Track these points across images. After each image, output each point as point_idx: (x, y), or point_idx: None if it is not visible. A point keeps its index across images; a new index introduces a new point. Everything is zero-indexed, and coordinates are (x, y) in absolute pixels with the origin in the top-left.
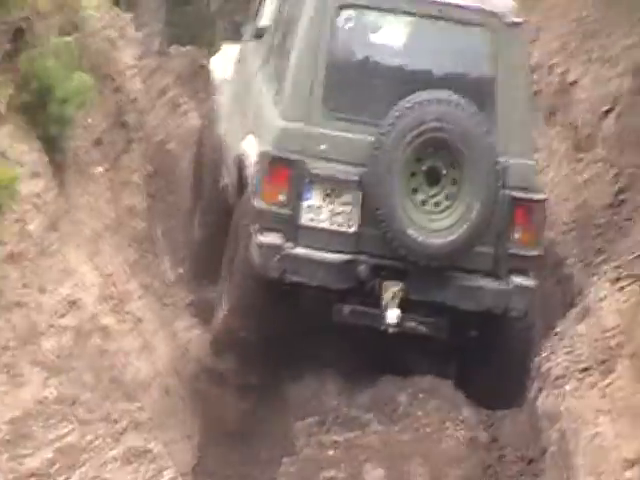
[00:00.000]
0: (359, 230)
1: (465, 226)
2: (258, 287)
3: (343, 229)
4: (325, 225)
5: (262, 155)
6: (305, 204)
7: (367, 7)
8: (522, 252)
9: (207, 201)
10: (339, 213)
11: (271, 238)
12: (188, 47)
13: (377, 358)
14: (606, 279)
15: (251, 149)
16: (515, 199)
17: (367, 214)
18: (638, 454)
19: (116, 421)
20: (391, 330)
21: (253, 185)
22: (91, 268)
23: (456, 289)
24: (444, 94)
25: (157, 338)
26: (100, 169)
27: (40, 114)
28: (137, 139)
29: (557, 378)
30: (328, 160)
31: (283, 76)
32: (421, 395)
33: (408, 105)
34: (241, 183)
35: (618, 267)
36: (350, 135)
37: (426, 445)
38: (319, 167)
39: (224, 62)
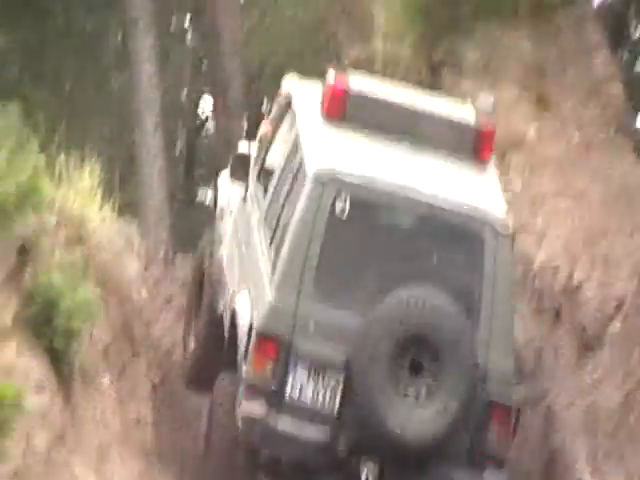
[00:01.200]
0: (341, 410)
1: (441, 422)
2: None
3: (325, 409)
4: (308, 403)
5: (253, 328)
6: (290, 380)
7: (364, 198)
8: (494, 452)
9: (204, 322)
10: (323, 392)
11: (255, 408)
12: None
13: None
14: None
15: (244, 310)
16: (491, 403)
17: (349, 397)
18: None
19: None
20: None
21: (243, 351)
22: None
23: (432, 478)
24: (431, 293)
25: None
26: (106, 380)
27: (46, 327)
28: (143, 350)
29: None
30: (315, 341)
31: (279, 252)
32: None
33: (395, 300)
34: (233, 338)
35: (629, 472)
36: (338, 319)
37: None
38: (306, 346)
39: (230, 186)
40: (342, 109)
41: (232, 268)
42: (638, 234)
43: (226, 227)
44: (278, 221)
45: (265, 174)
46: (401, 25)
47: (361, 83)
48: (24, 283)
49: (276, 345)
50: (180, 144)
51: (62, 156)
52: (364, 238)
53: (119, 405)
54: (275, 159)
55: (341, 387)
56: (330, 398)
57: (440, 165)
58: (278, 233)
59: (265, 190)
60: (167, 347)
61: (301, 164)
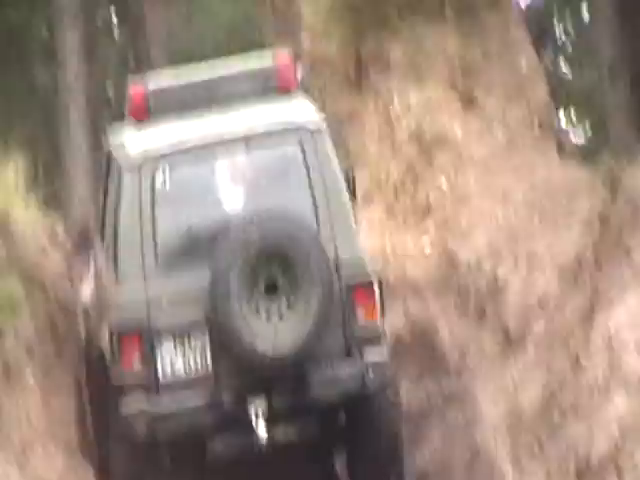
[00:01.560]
0: (214, 367)
1: (309, 324)
2: (134, 449)
3: (199, 372)
4: (183, 375)
5: (109, 333)
6: (160, 361)
7: (179, 165)
8: (367, 330)
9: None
10: (193, 357)
11: (136, 405)
12: None
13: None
14: (537, 479)
15: (104, 332)
16: (351, 287)
17: (217, 349)
18: None
19: None
20: (264, 447)
21: (110, 361)
22: (20, 478)
23: (314, 385)
24: (265, 211)
25: None
26: (31, 378)
27: None
28: (68, 347)
29: None
30: (171, 313)
31: (116, 256)
32: None
33: (234, 231)
34: (104, 371)
35: (549, 469)
36: (187, 282)
37: None
38: (164, 322)
39: (88, 283)
40: (145, 109)
41: (95, 326)
42: (561, 233)
43: (92, 315)
44: (113, 236)
45: (103, 229)
46: (329, 22)
47: (160, 79)
48: None
49: (135, 334)
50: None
51: None
52: (192, 200)
53: (44, 403)
54: (107, 210)
55: (208, 344)
56: (201, 359)
57: (249, 110)
58: (113, 242)
59: (103, 238)
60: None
61: (118, 172)
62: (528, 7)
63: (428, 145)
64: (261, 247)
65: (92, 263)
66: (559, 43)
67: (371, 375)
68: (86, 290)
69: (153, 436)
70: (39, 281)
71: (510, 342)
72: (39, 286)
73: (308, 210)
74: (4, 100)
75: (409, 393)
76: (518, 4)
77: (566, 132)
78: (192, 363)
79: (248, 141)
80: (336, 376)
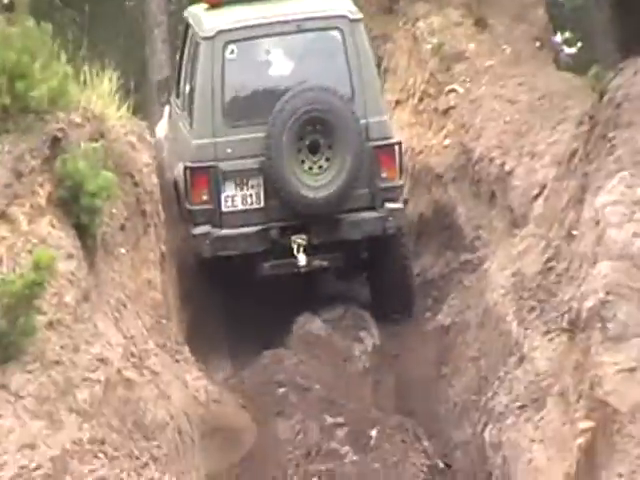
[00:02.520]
0: (266, 205)
1: (343, 177)
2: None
3: (254, 207)
4: (240, 207)
5: (185, 169)
6: (223, 196)
7: (244, 39)
8: (389, 185)
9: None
10: (249, 196)
11: (202, 229)
12: None
13: (303, 295)
14: (538, 332)
15: (180, 170)
16: (377, 147)
17: (270, 191)
18: (565, 476)
19: (138, 457)
20: (303, 270)
21: (183, 193)
22: (116, 331)
23: (345, 226)
24: (311, 85)
25: (171, 388)
26: (123, 250)
27: (74, 206)
28: (153, 224)
29: (499, 414)
30: (234, 159)
31: (191, 108)
32: (388, 430)
33: (285, 99)
34: (179, 199)
35: (547, 322)
36: (247, 136)
37: (393, 472)
38: (228, 166)
39: (163, 123)
40: None
41: (170, 163)
42: (557, 131)
43: (164, 153)
44: (189, 94)
45: (180, 87)
46: None
47: None
48: (55, 169)
49: (205, 173)
50: None
51: (86, 66)
52: (254, 68)
53: (133, 270)
54: (184, 70)
55: (262, 188)
56: (256, 198)
57: (300, 2)
58: (190, 99)
59: (180, 94)
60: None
61: (196, 42)
62: None
63: (447, 59)
64: (307, 113)
65: (167, 109)
66: None
67: (391, 220)
68: (160, 129)
69: (215, 252)
70: (129, 171)
71: (515, 219)
72: (129, 175)
73: (345, 83)
74: (101, 26)
75: (433, 262)
76: None
77: (561, 47)
78: (248, 200)
79: (299, 23)
80: (363, 219)
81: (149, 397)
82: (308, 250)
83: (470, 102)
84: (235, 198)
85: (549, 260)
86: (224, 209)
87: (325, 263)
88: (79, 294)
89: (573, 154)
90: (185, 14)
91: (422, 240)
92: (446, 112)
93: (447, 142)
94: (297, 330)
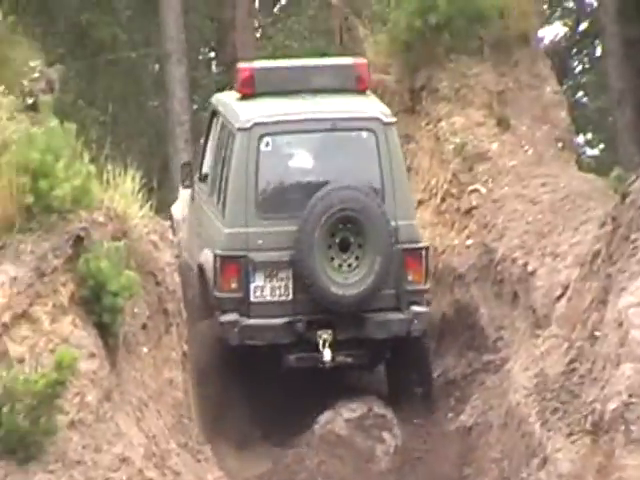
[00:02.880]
0: (294, 297)
1: (372, 277)
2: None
3: (282, 299)
4: (269, 299)
5: (216, 256)
6: (252, 286)
7: (279, 133)
8: (415, 288)
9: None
10: (278, 288)
11: (231, 316)
12: None
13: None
14: (561, 434)
15: (207, 255)
16: (405, 250)
17: (298, 285)
18: None
19: None
20: (327, 366)
21: (212, 280)
22: (138, 431)
23: (371, 325)
24: (345, 184)
25: None
26: (145, 349)
27: (96, 305)
28: (175, 324)
29: None
30: (265, 251)
31: (224, 196)
32: None
33: (319, 196)
34: (203, 283)
35: (570, 424)
36: (279, 229)
37: None
38: (259, 257)
39: (181, 205)
40: (252, 84)
41: (191, 246)
42: (580, 231)
43: (183, 235)
44: (220, 182)
45: (205, 174)
46: (388, 59)
47: (264, 64)
48: (78, 269)
49: (236, 263)
50: None
51: (109, 165)
52: (288, 162)
53: (155, 369)
54: (209, 155)
55: (291, 280)
56: (285, 290)
57: (332, 98)
58: (221, 187)
59: (206, 179)
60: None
61: (229, 131)
62: (552, 44)
63: (470, 159)
64: (339, 213)
65: (182, 190)
66: (576, 75)
67: (416, 322)
68: (177, 209)
69: (242, 341)
70: (151, 270)
71: (538, 320)
72: (151, 274)
73: (377, 185)
74: (124, 125)
75: (455, 362)
76: (543, 42)
77: (584, 149)
78: (277, 292)
79: (334, 122)
80: (389, 320)
81: None
82: (333, 346)
83: (492, 202)
84: (264, 289)
85: (572, 361)
86: (252, 299)
87: (349, 360)
88: (101, 393)
89: (596, 255)
90: (213, 100)
91: (444, 340)
92: (468, 212)
93: (469, 242)
94: (319, 429)
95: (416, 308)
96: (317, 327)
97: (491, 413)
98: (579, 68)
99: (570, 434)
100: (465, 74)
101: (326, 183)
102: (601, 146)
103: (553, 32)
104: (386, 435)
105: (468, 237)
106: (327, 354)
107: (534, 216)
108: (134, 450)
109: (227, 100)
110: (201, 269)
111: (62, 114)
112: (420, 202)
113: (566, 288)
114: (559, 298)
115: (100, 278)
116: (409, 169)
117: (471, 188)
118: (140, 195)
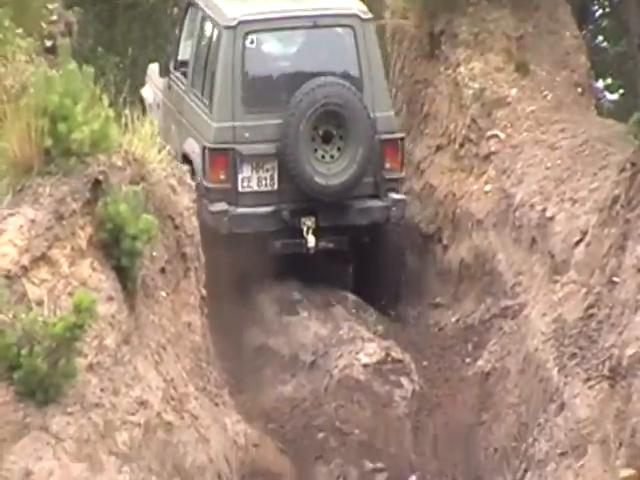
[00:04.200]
0: (279, 187)
1: (353, 167)
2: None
3: (268, 189)
4: (255, 189)
5: (205, 148)
6: (240, 177)
7: (263, 30)
8: (393, 176)
9: None
10: (264, 178)
11: (220, 205)
12: None
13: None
14: (579, 379)
15: (194, 146)
16: (383, 140)
17: (283, 175)
18: None
19: None
20: (311, 251)
21: (200, 170)
22: (156, 374)
23: (352, 212)
24: (328, 79)
25: (210, 432)
26: (163, 293)
27: (114, 249)
28: (193, 268)
29: (540, 461)
30: (252, 143)
31: (211, 91)
32: (428, 476)
33: (304, 91)
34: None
35: (588, 369)
36: (265, 122)
37: None
38: (246, 149)
39: (151, 90)
40: None
41: (169, 131)
42: (599, 177)
43: (156, 113)
44: (204, 77)
45: (181, 62)
46: (406, 1)
47: None
48: (97, 212)
49: (224, 155)
50: None
51: (127, 109)
52: (271, 57)
53: (174, 313)
54: (186, 47)
55: (277, 172)
56: (271, 180)
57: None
58: (207, 81)
59: (184, 70)
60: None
61: (213, 28)
62: None
63: (489, 104)
64: (324, 106)
65: (150, 73)
66: (596, 19)
67: (394, 209)
68: (147, 93)
69: (231, 229)
70: (170, 214)
71: (556, 266)
72: (170, 218)
73: (355, 78)
74: (143, 69)
75: (473, 308)
76: None
77: (603, 94)
78: (263, 182)
79: (315, 19)
80: (369, 207)
81: (189, 441)
82: (316, 232)
83: (511, 148)
84: (251, 180)
85: (590, 307)
86: (240, 189)
87: (331, 245)
88: (119, 337)
89: (615, 201)
90: None
91: (462, 285)
92: (487, 157)
93: (488, 187)
94: (337, 374)
95: (394, 195)
96: (301, 215)
97: (509, 359)
98: (599, 12)
99: (588, 379)
100: (484, 19)
101: (308, 78)
102: (621, 91)
103: None
104: (404, 380)
105: (486, 183)
106: (311, 240)
107: (553, 161)
108: (152, 393)
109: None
110: (186, 158)
111: (80, 58)
112: (438, 147)
113: (585, 234)
114: (577, 244)
115: (118, 222)
116: (427, 114)
117: (490, 133)
118: (158, 139)
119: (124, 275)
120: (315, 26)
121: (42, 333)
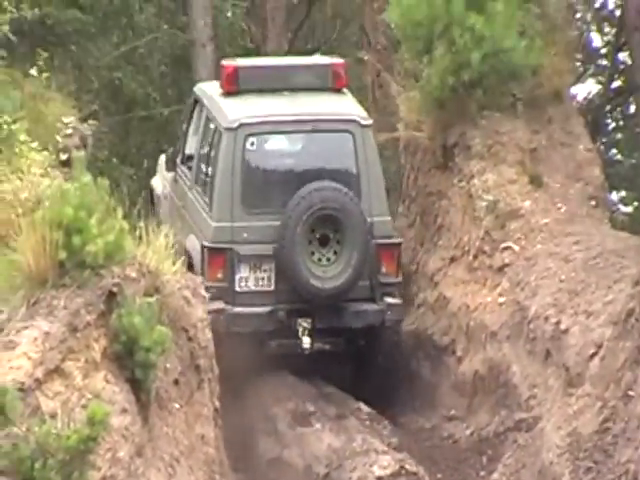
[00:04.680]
0: (276, 288)
1: (349, 271)
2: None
3: (265, 289)
4: (252, 289)
5: (204, 247)
6: (237, 277)
7: (265, 133)
8: (388, 280)
9: None
10: (262, 279)
11: (216, 305)
12: None
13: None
14: None
15: (194, 244)
16: (380, 245)
17: (280, 276)
18: None
19: None
20: (306, 352)
21: (200, 269)
22: None
23: (348, 314)
24: (325, 184)
25: None
26: (177, 405)
27: (128, 361)
28: (207, 379)
29: None
30: (250, 243)
31: (211, 190)
32: None
33: (302, 195)
34: (189, 267)
35: None
36: (263, 224)
37: None
38: (244, 249)
39: (161, 181)
40: (236, 81)
41: (174, 224)
42: (613, 290)
43: (163, 205)
44: (206, 175)
45: (187, 156)
46: (420, 114)
47: (247, 62)
48: (111, 324)
49: (223, 254)
50: None
51: (141, 221)
52: (271, 160)
53: (187, 425)
54: (192, 142)
55: (274, 273)
56: (267, 281)
57: (311, 97)
58: (208, 181)
59: (190, 165)
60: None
61: (216, 128)
62: (585, 101)
63: (502, 216)
64: (320, 211)
65: (161, 163)
66: (610, 132)
67: (389, 313)
68: (157, 184)
69: (228, 328)
70: (184, 326)
71: (571, 378)
72: (184, 330)
73: (353, 182)
74: None
75: (487, 420)
76: (576, 99)
77: (617, 206)
78: (260, 283)
79: (315, 124)
80: (365, 310)
81: None
82: (312, 333)
83: (525, 260)
84: (248, 280)
85: (605, 421)
86: (238, 289)
87: (327, 347)
88: (133, 449)
89: (629, 314)
90: (196, 90)
91: (477, 398)
92: (501, 269)
93: (502, 300)
94: None
95: (390, 299)
96: (297, 316)
97: (524, 472)
98: (612, 125)
99: None
100: (498, 131)
101: (307, 181)
102: (635, 203)
103: (586, 89)
104: None
105: (500, 295)
106: (306, 341)
107: (567, 274)
108: None
109: (211, 94)
110: (188, 255)
111: (95, 170)
112: (452, 259)
113: (599, 347)
114: (592, 357)
115: (132, 333)
116: (441, 226)
117: (503, 245)
118: (172, 251)
119: (138, 387)
120: (315, 130)
121: (56, 446)
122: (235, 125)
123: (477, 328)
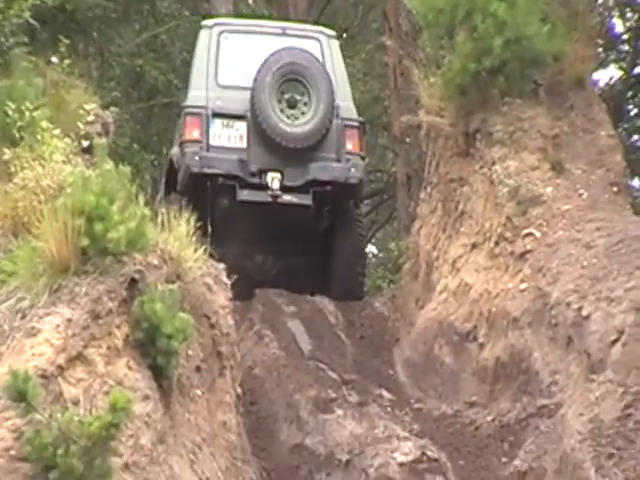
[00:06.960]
0: (248, 145)
1: (315, 120)
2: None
3: (238, 145)
4: (226, 144)
5: (183, 112)
6: (211, 132)
7: (237, 32)
8: (353, 156)
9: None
10: (234, 137)
11: (195, 150)
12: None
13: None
14: None
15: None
16: (345, 125)
17: (252, 137)
18: None
19: None
20: (273, 199)
21: (181, 131)
22: (192, 474)
23: (315, 169)
24: (295, 47)
25: None
26: (199, 392)
27: (150, 348)
28: (229, 366)
29: None
30: (222, 107)
31: (190, 75)
32: None
33: (271, 57)
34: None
35: (626, 470)
36: (235, 95)
37: None
38: (217, 108)
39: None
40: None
41: None
42: (635, 276)
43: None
44: (192, 61)
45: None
46: (442, 100)
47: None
48: (133, 311)
49: (198, 116)
50: None
51: (164, 208)
52: (242, 51)
53: (209, 412)
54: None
55: (246, 129)
56: (240, 138)
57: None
58: (191, 65)
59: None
60: (249, 364)
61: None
62: (607, 87)
63: (524, 202)
64: (288, 68)
65: None
66: (632, 118)
67: (353, 170)
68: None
69: (202, 168)
70: (205, 313)
71: (592, 365)
72: (205, 317)
73: (321, 72)
74: None
75: (509, 407)
76: (598, 85)
77: (639, 193)
78: (233, 138)
79: (285, 31)
80: (330, 166)
81: None
82: (280, 186)
83: (547, 246)
84: (222, 135)
85: (627, 407)
86: (212, 142)
87: (295, 199)
88: (155, 436)
89: None
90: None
91: (498, 384)
92: (522, 256)
93: (523, 286)
94: (372, 473)
95: (354, 159)
96: (267, 170)
97: (545, 458)
98: (634, 111)
99: None
100: (519, 118)
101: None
102: None
103: (608, 75)
104: (440, 479)
105: (522, 281)
106: (276, 186)
107: (589, 260)
108: None
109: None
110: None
111: (117, 157)
112: (474, 245)
113: (621, 333)
114: (614, 343)
115: (154, 321)
116: (462, 212)
117: (525, 232)
118: (194, 238)
119: (160, 374)
120: (285, 34)
121: (78, 433)
122: (210, 24)
123: (499, 314)
